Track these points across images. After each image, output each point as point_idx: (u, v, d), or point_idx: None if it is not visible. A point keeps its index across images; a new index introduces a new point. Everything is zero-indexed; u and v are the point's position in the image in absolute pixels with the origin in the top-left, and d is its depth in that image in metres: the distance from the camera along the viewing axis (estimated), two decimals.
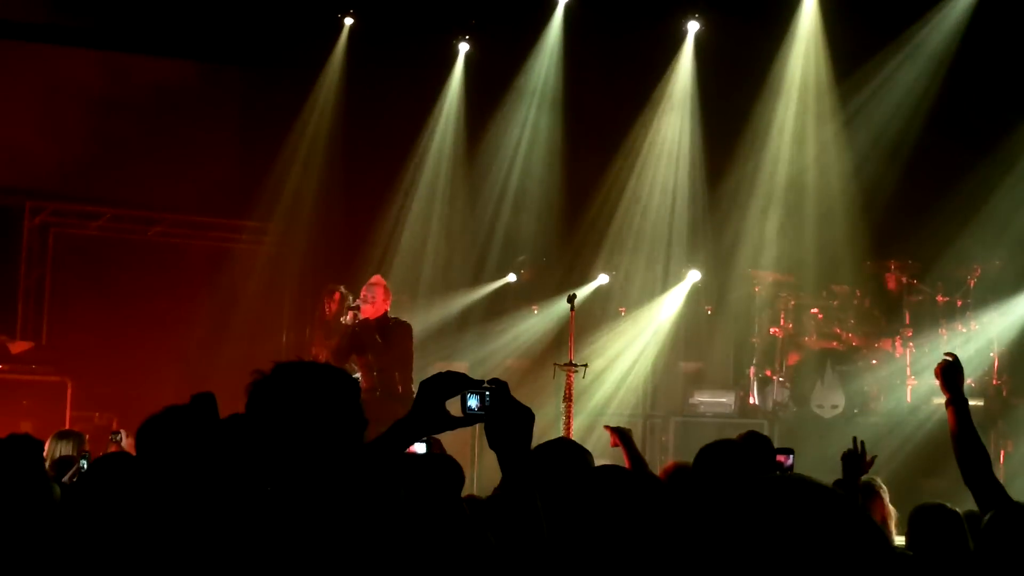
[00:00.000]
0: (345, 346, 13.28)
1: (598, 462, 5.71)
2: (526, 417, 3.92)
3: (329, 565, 3.53)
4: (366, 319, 13.16)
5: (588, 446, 6.00)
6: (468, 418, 3.93)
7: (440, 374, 3.95)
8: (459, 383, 3.91)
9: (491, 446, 3.92)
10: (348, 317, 13.36)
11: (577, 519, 4.21)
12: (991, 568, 5.03)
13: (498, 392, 3.94)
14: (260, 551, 3.51)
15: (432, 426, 3.92)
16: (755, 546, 2.81)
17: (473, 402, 3.92)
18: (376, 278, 13.61)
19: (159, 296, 17.85)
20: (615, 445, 7.86)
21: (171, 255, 18.58)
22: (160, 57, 18.44)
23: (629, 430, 7.99)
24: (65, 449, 9.56)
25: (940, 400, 14.65)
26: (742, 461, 5.46)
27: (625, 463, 7.55)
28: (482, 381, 3.96)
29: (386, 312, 13.31)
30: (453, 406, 3.89)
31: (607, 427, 8.11)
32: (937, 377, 6.41)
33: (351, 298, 13.87)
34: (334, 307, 15.33)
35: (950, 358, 6.41)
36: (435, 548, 3.88)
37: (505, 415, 3.91)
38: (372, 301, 13.15)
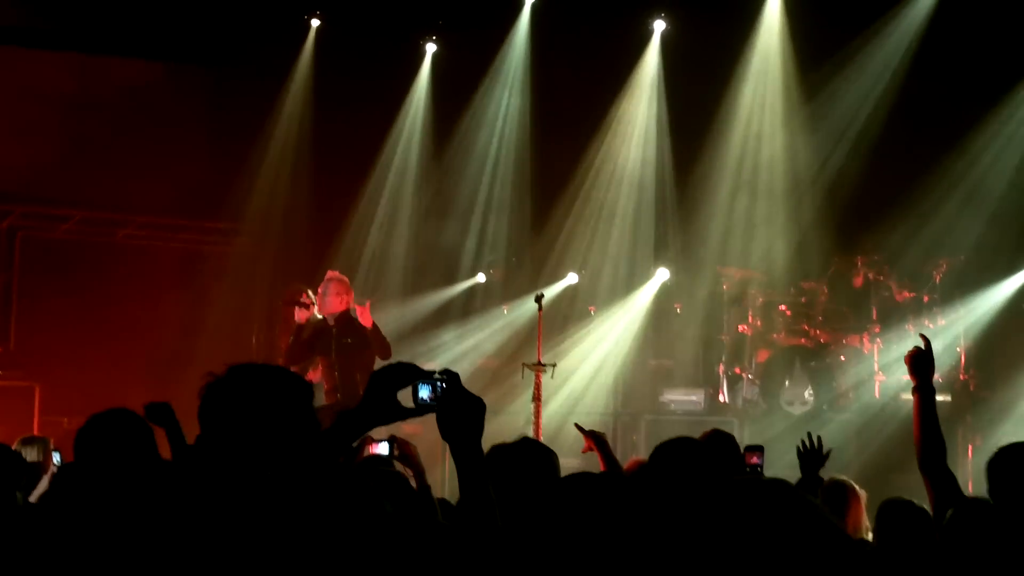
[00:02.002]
0: (298, 346, 12.84)
1: (566, 461, 5.71)
2: (478, 407, 3.92)
3: (279, 567, 3.53)
4: (323, 318, 12.76)
5: (557, 445, 6.01)
6: (420, 408, 3.92)
7: (391, 365, 3.96)
8: (410, 374, 3.92)
9: (443, 437, 3.91)
10: (300, 315, 12.94)
11: (542, 525, 4.22)
12: (955, 563, 5.08)
13: (450, 382, 3.93)
14: (209, 555, 3.51)
15: (382, 416, 3.92)
16: (712, 546, 2.84)
17: (425, 392, 3.92)
18: (331, 273, 13.08)
19: (129, 299, 17.78)
20: (588, 450, 7.81)
21: (140, 257, 18.50)
22: (129, 59, 18.39)
23: (603, 434, 7.94)
24: (31, 455, 9.53)
25: (909, 396, 14.78)
26: (699, 459, 5.47)
27: (600, 467, 7.53)
28: (433, 372, 3.96)
29: (347, 309, 12.80)
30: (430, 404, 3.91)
31: (578, 427, 8.04)
32: (907, 364, 6.47)
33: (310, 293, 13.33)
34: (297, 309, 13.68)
35: (923, 345, 6.47)
36: (387, 548, 3.88)
37: (457, 405, 3.91)
38: (331, 296, 12.67)
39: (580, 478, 4.79)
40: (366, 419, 3.93)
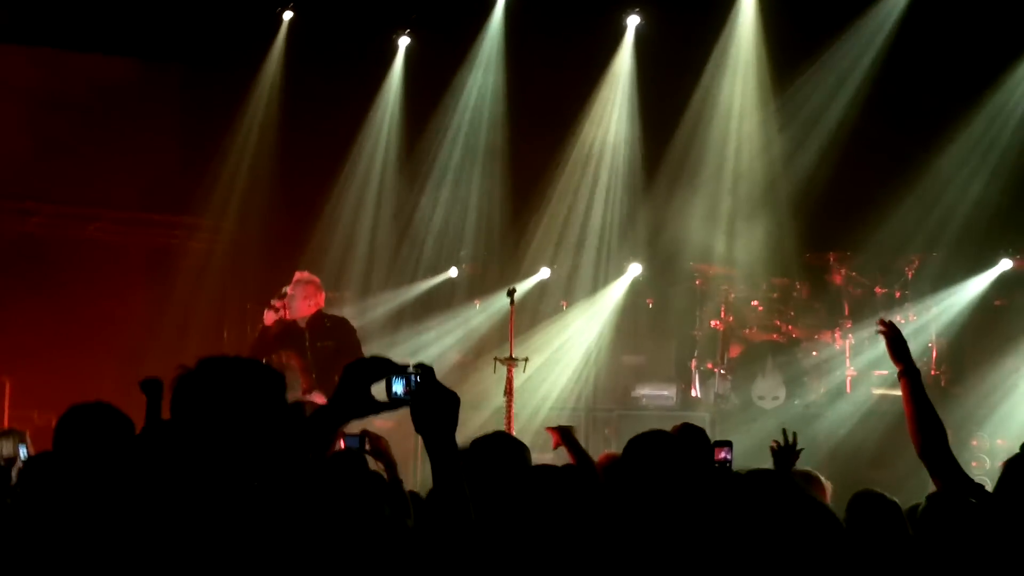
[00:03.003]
0: (261, 348, 12.49)
1: (539, 456, 5.72)
2: (452, 401, 3.90)
3: (257, 562, 3.51)
4: (293, 320, 12.47)
5: (529, 440, 6.02)
6: (394, 402, 3.91)
7: (364, 359, 3.95)
8: (384, 368, 3.91)
9: (417, 430, 3.88)
10: (267, 317, 12.58)
11: (514, 518, 4.21)
12: (928, 555, 5.08)
13: (424, 376, 3.92)
14: (185, 550, 3.49)
15: (356, 410, 3.91)
16: (710, 538, 2.83)
17: (399, 387, 3.91)
18: (299, 275, 12.81)
19: (99, 293, 17.70)
20: (558, 446, 7.82)
21: (111, 252, 18.40)
22: (99, 54, 18.30)
23: (571, 427, 7.95)
24: (8, 449, 9.48)
25: (880, 391, 14.86)
26: (673, 452, 5.47)
27: (570, 461, 7.54)
28: (407, 366, 3.94)
29: (320, 310, 12.63)
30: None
31: (548, 429, 8.06)
32: (888, 351, 6.43)
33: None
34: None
35: (883, 327, 6.44)
36: (358, 542, 3.87)
37: (431, 399, 3.89)
38: (299, 300, 12.45)
39: (544, 471, 4.78)
40: (339, 413, 3.92)
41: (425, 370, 3.93)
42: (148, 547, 3.49)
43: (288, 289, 12.60)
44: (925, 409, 6.17)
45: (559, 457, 11.20)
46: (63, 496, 5.04)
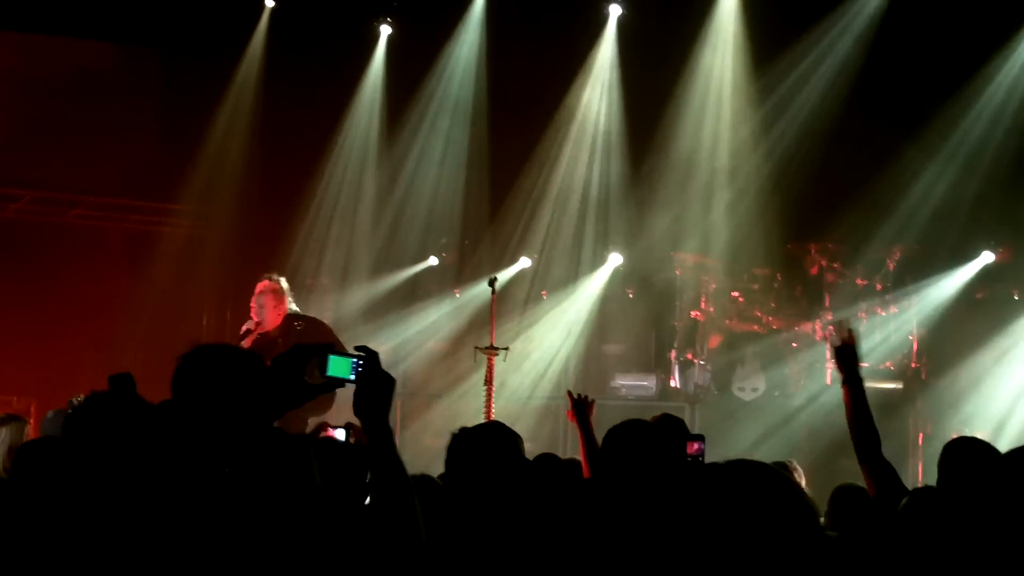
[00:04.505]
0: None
1: (524, 445, 5.72)
2: (389, 385, 3.99)
3: (262, 546, 3.52)
4: (264, 334, 12.01)
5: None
6: (331, 383, 4.02)
7: (288, 351, 3.98)
8: (312, 351, 4.01)
9: (356, 413, 3.98)
10: (247, 343, 11.84)
11: (505, 508, 4.22)
12: (908, 549, 5.09)
13: (369, 360, 4.01)
14: (199, 533, 3.50)
15: (292, 399, 3.96)
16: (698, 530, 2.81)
17: (337, 369, 4.01)
18: (260, 285, 12.20)
19: (78, 279, 17.66)
20: (571, 418, 7.90)
21: (91, 238, 18.35)
22: (79, 39, 18.23)
23: (592, 402, 8.01)
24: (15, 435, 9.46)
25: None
26: (652, 442, 5.47)
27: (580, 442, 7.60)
28: (329, 350, 4.06)
29: (287, 314, 12.12)
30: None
31: (569, 392, 8.16)
32: (836, 358, 6.52)
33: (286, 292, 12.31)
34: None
35: (844, 335, 6.49)
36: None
37: (374, 383, 3.98)
38: (268, 311, 11.98)
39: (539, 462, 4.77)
40: (278, 405, 3.95)
41: (369, 354, 4.02)
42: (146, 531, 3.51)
43: (253, 302, 12.11)
44: (864, 419, 6.35)
45: (536, 446, 11.18)
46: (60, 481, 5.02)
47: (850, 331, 6.59)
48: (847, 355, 6.46)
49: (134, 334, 16.62)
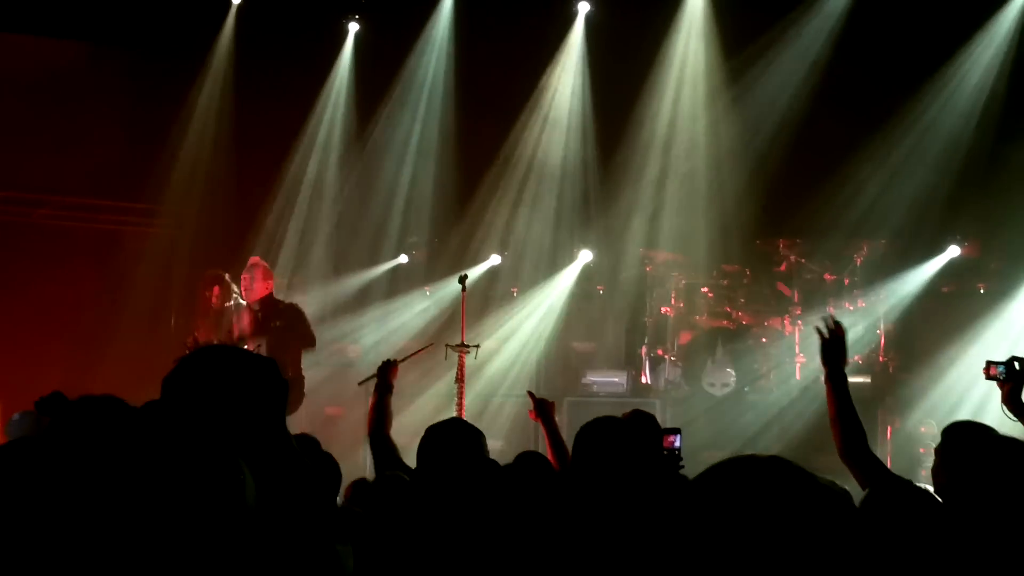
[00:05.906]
0: (216, 324, 13.15)
1: (491, 443, 5.73)
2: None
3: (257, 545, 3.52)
4: (247, 304, 13.09)
5: (481, 427, 6.02)
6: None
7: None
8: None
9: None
10: (231, 305, 13.25)
11: (470, 505, 4.22)
12: (871, 544, 5.10)
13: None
14: (197, 529, 3.48)
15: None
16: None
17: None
18: (253, 259, 13.51)
19: (46, 279, 17.55)
20: (535, 418, 7.90)
21: (59, 238, 18.24)
22: (45, 38, 18.14)
23: (552, 403, 8.02)
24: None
25: None
26: (624, 439, 5.47)
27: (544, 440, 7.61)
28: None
29: (270, 294, 13.18)
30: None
31: (530, 393, 8.16)
32: (821, 352, 6.45)
33: (234, 286, 13.71)
34: (216, 294, 14.22)
35: (827, 329, 6.45)
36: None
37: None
38: (258, 281, 13.07)
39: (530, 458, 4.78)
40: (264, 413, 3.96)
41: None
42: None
43: (245, 273, 13.22)
44: (848, 415, 6.20)
45: (509, 444, 11.20)
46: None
47: (838, 324, 6.54)
48: (834, 350, 6.40)
49: (103, 334, 16.55)
